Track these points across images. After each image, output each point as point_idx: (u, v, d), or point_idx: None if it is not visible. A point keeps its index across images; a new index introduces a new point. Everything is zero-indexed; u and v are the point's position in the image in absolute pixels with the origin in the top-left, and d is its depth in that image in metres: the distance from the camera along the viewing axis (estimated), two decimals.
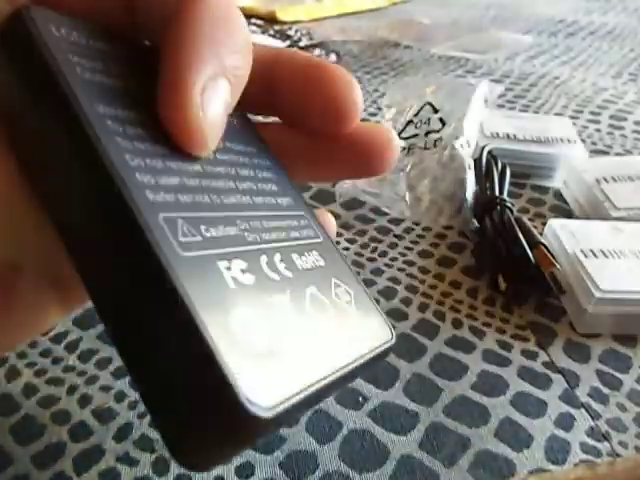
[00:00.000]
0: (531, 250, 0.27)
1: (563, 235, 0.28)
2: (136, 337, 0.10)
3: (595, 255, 0.27)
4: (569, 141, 0.38)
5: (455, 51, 0.62)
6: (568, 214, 0.34)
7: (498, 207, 0.30)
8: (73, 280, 0.13)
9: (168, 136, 0.12)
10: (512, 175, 0.34)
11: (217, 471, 0.20)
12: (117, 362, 0.23)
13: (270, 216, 0.14)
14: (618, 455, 0.20)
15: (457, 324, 0.26)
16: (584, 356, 0.25)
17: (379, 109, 0.47)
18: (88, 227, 0.11)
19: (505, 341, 0.25)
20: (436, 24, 0.72)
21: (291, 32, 0.66)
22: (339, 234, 0.32)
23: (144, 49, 0.15)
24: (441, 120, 0.37)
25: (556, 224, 0.29)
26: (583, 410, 0.22)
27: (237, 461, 0.20)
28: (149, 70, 0.13)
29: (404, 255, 0.30)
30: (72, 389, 0.22)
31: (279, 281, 0.13)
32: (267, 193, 0.15)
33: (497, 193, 0.31)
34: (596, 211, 0.32)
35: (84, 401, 0.22)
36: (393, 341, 0.15)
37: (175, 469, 0.20)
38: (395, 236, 0.32)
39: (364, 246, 0.31)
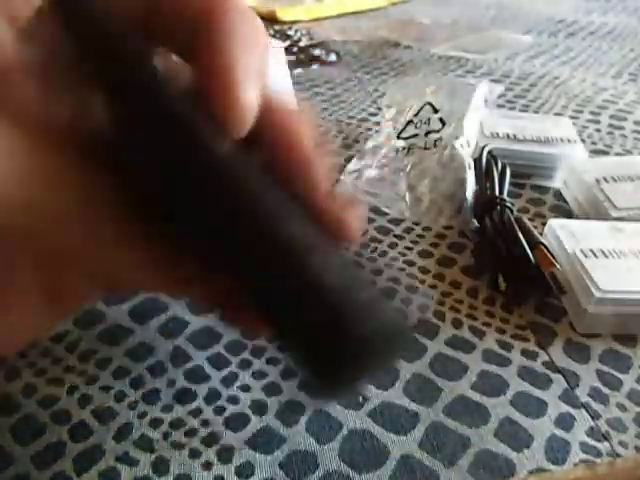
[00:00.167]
0: (531, 250, 0.27)
1: (563, 235, 0.28)
2: None
3: (595, 255, 0.27)
4: (569, 141, 0.38)
5: (455, 51, 0.62)
6: (568, 214, 0.34)
7: (498, 207, 0.30)
8: (65, 291, 0.16)
9: None
10: (512, 175, 0.34)
11: (217, 471, 0.20)
12: (117, 362, 0.23)
13: None
14: (618, 455, 0.20)
15: (457, 324, 0.26)
16: (584, 356, 0.25)
17: (379, 109, 0.47)
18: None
19: (505, 341, 0.25)
20: (436, 24, 0.72)
21: (291, 32, 0.66)
22: None
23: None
24: (441, 120, 0.37)
25: (556, 224, 0.29)
26: (583, 410, 0.22)
27: (237, 461, 0.20)
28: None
29: (404, 255, 0.30)
30: (72, 389, 0.22)
31: None
32: None
33: (497, 193, 0.31)
34: (596, 211, 0.32)
35: (84, 401, 0.22)
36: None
37: (175, 469, 0.20)
38: (395, 236, 0.32)
39: (364, 246, 0.31)
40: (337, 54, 0.60)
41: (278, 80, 0.50)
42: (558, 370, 0.24)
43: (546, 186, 0.37)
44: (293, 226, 0.13)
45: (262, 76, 0.15)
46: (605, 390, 0.23)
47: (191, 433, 0.21)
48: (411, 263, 0.30)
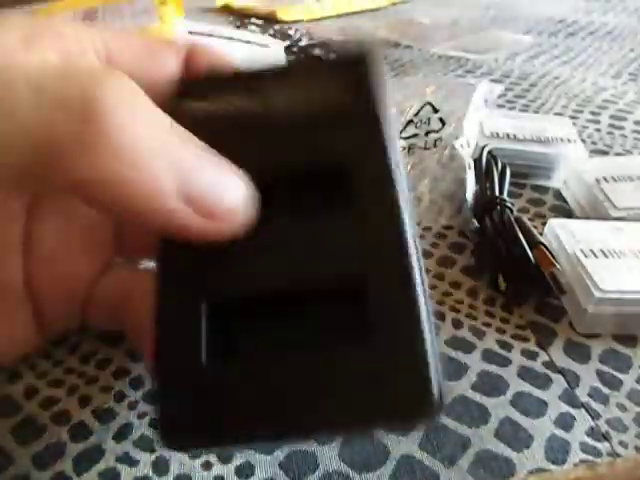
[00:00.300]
0: (531, 250, 0.27)
1: (563, 235, 0.28)
2: None
3: (595, 255, 0.27)
4: (569, 141, 0.38)
5: (455, 51, 0.62)
6: (568, 214, 0.34)
7: (498, 207, 0.30)
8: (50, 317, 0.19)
9: None
10: (512, 175, 0.34)
11: (217, 471, 0.20)
12: (117, 363, 0.23)
13: None
14: (618, 455, 0.20)
15: (457, 324, 0.26)
16: (584, 356, 0.25)
17: None
18: None
19: (505, 341, 0.25)
20: (436, 24, 0.72)
21: (291, 32, 0.66)
22: None
23: None
24: (441, 120, 0.37)
25: (556, 224, 0.29)
26: (583, 410, 0.22)
27: (237, 461, 0.20)
28: None
29: None
30: (72, 390, 0.22)
31: None
32: None
33: (497, 193, 0.31)
34: (596, 211, 0.32)
35: (84, 401, 0.22)
36: (427, 417, 0.13)
37: (175, 469, 0.20)
38: None
39: None
40: None
41: None
42: (558, 370, 0.24)
43: (546, 186, 0.37)
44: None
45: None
46: (605, 390, 0.23)
47: None
48: None
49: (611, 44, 0.66)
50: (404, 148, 0.36)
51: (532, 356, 0.24)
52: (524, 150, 0.37)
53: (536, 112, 0.48)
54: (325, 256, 0.14)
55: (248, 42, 0.52)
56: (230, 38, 0.51)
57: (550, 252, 0.27)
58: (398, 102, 0.40)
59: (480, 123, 0.39)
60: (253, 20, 0.72)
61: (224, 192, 0.14)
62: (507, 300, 0.27)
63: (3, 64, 0.12)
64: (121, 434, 0.21)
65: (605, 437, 0.21)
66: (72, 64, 0.13)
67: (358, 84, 0.16)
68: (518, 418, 0.22)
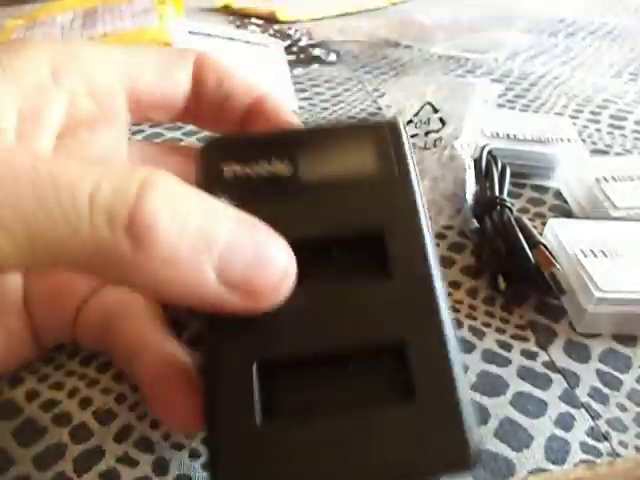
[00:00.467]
0: (531, 250, 0.27)
1: (563, 235, 0.28)
2: None
3: (595, 255, 0.27)
4: (569, 141, 0.38)
5: (455, 51, 0.62)
6: (568, 214, 0.34)
7: (498, 207, 0.30)
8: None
9: None
10: (512, 175, 0.34)
11: None
12: (117, 367, 0.23)
13: None
14: (618, 455, 0.20)
15: (457, 324, 0.26)
16: (584, 356, 0.25)
17: (379, 109, 0.47)
18: None
19: (505, 341, 0.25)
20: (436, 24, 0.72)
21: (291, 32, 0.66)
22: None
23: None
24: (441, 120, 0.37)
25: (556, 224, 0.29)
26: (583, 410, 0.22)
27: None
28: None
29: None
30: (73, 392, 0.22)
31: None
32: None
33: (497, 193, 0.31)
34: (596, 211, 0.32)
35: (85, 403, 0.22)
36: (467, 469, 0.14)
37: (175, 470, 0.20)
38: None
39: None
40: (337, 54, 0.60)
41: (278, 80, 0.50)
42: (558, 370, 0.24)
43: (546, 186, 0.37)
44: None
45: None
46: (605, 390, 0.23)
47: (191, 434, 0.21)
48: None
49: (611, 44, 0.66)
50: None
51: (532, 356, 0.24)
52: (524, 150, 0.37)
53: (536, 112, 0.48)
54: (363, 319, 0.15)
55: (248, 42, 0.52)
56: (230, 38, 0.51)
57: (550, 252, 0.27)
58: (398, 102, 0.40)
59: (480, 123, 0.39)
60: (253, 20, 0.72)
61: (265, 271, 0.14)
62: (507, 300, 0.27)
63: (68, 182, 0.12)
64: (121, 435, 0.21)
65: (605, 437, 0.21)
66: (118, 170, 0.14)
67: (388, 149, 0.17)
68: (518, 418, 0.22)
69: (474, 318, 0.26)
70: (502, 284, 0.27)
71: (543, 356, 0.24)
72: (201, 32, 0.49)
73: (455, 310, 0.27)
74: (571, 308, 0.26)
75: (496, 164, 0.34)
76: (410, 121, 0.38)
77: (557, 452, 0.20)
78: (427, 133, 0.36)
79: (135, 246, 0.13)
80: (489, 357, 0.24)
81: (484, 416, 0.22)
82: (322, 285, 0.15)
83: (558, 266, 0.26)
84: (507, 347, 0.25)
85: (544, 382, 0.23)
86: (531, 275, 0.27)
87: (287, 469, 0.14)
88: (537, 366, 0.24)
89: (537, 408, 0.22)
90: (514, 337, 0.25)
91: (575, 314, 0.26)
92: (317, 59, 0.59)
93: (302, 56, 0.59)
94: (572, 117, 0.46)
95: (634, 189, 0.33)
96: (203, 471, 0.20)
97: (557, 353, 0.25)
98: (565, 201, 0.35)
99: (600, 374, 0.24)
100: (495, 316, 0.26)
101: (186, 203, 0.14)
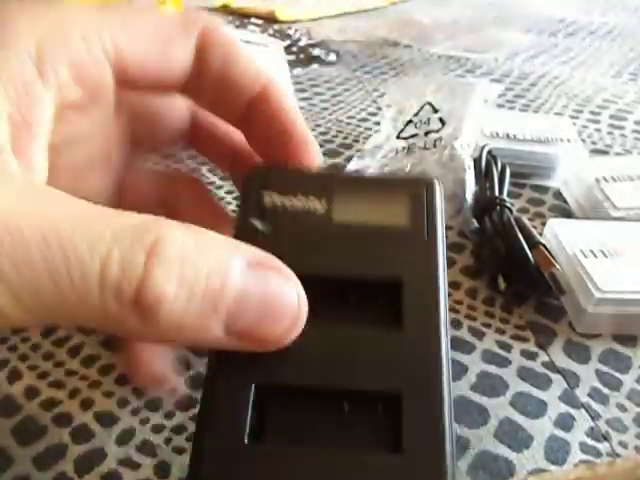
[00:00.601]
0: (531, 250, 0.27)
1: (563, 235, 0.28)
2: None
3: (595, 255, 0.27)
4: (569, 141, 0.38)
5: (455, 51, 0.62)
6: (568, 214, 0.34)
7: (498, 207, 0.30)
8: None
9: None
10: (512, 175, 0.34)
11: None
12: (120, 370, 0.23)
13: None
14: (618, 455, 0.21)
15: (456, 325, 0.26)
16: (584, 356, 0.25)
17: (379, 109, 0.47)
18: None
19: (505, 341, 0.25)
20: (436, 24, 0.72)
21: (291, 32, 0.66)
22: None
23: None
24: (441, 120, 0.37)
25: (556, 224, 0.29)
26: (583, 410, 0.22)
27: None
28: None
29: None
30: (74, 392, 0.22)
31: None
32: None
33: (497, 193, 0.31)
34: (596, 211, 0.32)
35: (86, 404, 0.22)
36: None
37: (176, 472, 0.20)
38: None
39: None
40: (337, 54, 0.60)
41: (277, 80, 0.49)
42: (558, 370, 0.24)
43: (546, 186, 0.37)
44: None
45: None
46: (605, 390, 0.23)
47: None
48: None
49: (611, 44, 0.66)
50: (404, 148, 0.36)
51: (532, 356, 0.24)
52: (524, 150, 0.37)
53: (536, 112, 0.48)
54: (365, 364, 0.15)
55: (247, 42, 0.52)
56: None
57: (550, 252, 0.27)
58: (398, 102, 0.40)
59: (480, 123, 0.39)
60: (252, 20, 0.72)
61: (274, 320, 0.14)
62: (507, 300, 0.27)
63: (78, 259, 0.13)
64: (123, 438, 0.21)
65: (605, 437, 0.21)
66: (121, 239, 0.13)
67: (421, 206, 0.18)
68: (518, 418, 0.22)
69: (474, 318, 0.26)
70: (502, 284, 0.27)
71: (543, 356, 0.24)
72: None
73: (455, 310, 0.27)
74: (571, 308, 0.26)
75: (496, 164, 0.34)
76: (410, 121, 0.38)
77: (557, 452, 0.21)
78: (427, 133, 0.36)
79: (142, 319, 0.13)
80: (489, 357, 0.24)
81: (484, 417, 0.22)
82: (332, 324, 0.16)
83: (558, 266, 0.26)
84: (507, 347, 0.25)
85: (544, 382, 0.23)
86: (531, 275, 0.27)
87: None
88: (537, 366, 0.24)
89: (537, 408, 0.22)
90: (514, 337, 0.25)
91: (575, 314, 0.26)
92: (317, 59, 0.59)
93: (302, 56, 0.59)
94: (572, 117, 0.46)
95: (634, 189, 0.33)
96: None
97: (557, 353, 0.25)
98: (565, 201, 0.35)
99: (600, 374, 0.24)
100: (495, 316, 0.26)
101: (194, 263, 0.13)
